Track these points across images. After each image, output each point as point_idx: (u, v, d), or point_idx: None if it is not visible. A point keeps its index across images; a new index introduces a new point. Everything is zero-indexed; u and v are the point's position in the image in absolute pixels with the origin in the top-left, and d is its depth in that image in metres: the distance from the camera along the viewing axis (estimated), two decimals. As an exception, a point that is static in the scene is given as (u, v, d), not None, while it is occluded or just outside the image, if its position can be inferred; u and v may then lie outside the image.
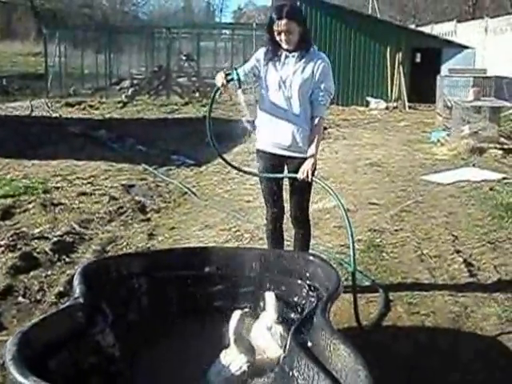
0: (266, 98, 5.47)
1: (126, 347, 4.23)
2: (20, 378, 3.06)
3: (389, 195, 9.42)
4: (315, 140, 5.44)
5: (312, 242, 7.00)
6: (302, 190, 5.60)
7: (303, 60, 5.34)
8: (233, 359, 4.14)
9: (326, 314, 3.86)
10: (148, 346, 4.48)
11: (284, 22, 5.15)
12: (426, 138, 14.41)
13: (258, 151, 5.70)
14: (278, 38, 5.28)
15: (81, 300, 4.02)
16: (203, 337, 4.59)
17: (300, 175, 5.40)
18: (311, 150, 5.44)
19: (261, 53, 5.49)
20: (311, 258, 4.79)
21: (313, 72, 5.33)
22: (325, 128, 15.04)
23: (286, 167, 5.64)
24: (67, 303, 4.09)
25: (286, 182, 5.77)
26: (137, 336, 4.47)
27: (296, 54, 5.34)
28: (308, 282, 4.66)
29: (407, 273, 6.48)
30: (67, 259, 6.87)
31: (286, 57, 5.35)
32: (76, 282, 4.26)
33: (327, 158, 12.08)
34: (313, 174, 5.42)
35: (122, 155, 12.54)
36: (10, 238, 7.34)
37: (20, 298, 5.86)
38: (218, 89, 5.39)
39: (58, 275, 6.41)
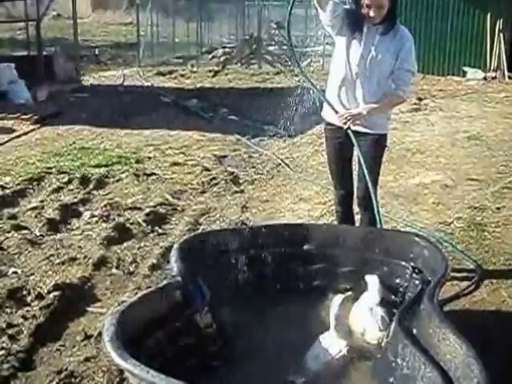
0: (341, 70, 5.14)
1: (224, 327, 4.12)
2: (119, 360, 2.97)
3: (489, 170, 9.03)
4: (382, 103, 5.11)
5: (410, 218, 6.91)
6: (370, 171, 5.14)
7: (388, 37, 5.01)
8: (332, 343, 3.98)
9: (435, 299, 3.65)
10: (245, 325, 4.34)
11: None
12: (529, 110, 13.90)
13: (327, 125, 5.43)
14: (364, 11, 4.92)
15: (178, 278, 3.91)
16: (301, 317, 4.44)
17: (339, 114, 5.10)
18: (371, 105, 5.10)
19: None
20: (416, 238, 4.56)
21: (396, 51, 5.01)
22: (419, 99, 14.72)
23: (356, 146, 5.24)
24: (165, 281, 4.00)
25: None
26: (234, 315, 4.34)
27: (380, 28, 5.01)
28: (412, 263, 4.44)
29: (511, 254, 6.15)
30: (160, 231, 6.85)
31: (369, 30, 5.01)
32: (173, 258, 4.17)
33: (424, 131, 11.72)
34: (351, 125, 5.08)
35: (214, 125, 12.44)
36: (104, 209, 7.38)
37: (113, 270, 5.88)
38: None
39: (151, 247, 6.39)
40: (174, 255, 4.19)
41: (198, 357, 3.84)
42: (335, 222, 5.86)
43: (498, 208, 7.44)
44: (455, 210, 7.33)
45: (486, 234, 6.66)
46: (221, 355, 3.99)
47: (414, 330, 3.63)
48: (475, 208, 7.43)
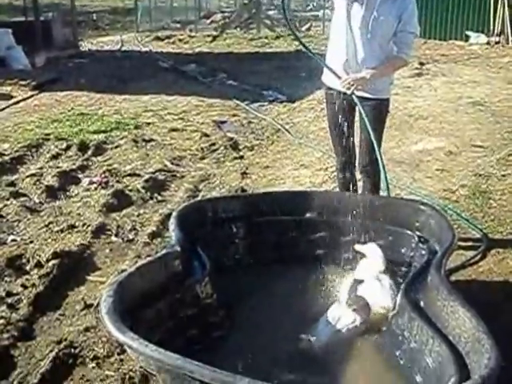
0: (342, 34, 4.96)
1: (225, 297, 4.03)
2: (116, 334, 2.87)
3: (494, 137, 8.90)
4: (384, 67, 4.96)
5: (414, 185, 6.82)
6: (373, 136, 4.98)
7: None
8: (343, 314, 3.88)
9: (442, 270, 3.55)
10: (247, 295, 4.26)
11: None
12: (534, 76, 13.72)
13: (328, 90, 5.27)
14: None
15: (177, 248, 3.81)
16: (304, 287, 4.36)
17: (342, 79, 4.92)
18: (374, 69, 4.92)
19: None
20: (422, 206, 4.47)
21: (399, 13, 4.83)
22: (421, 63, 14.55)
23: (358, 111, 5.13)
24: (164, 251, 3.89)
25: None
26: (235, 285, 4.26)
27: None
28: (417, 232, 4.35)
29: (518, 223, 5.99)
30: (159, 197, 6.78)
31: None
32: (172, 226, 4.08)
33: (426, 96, 11.58)
34: (354, 90, 4.89)
35: (213, 90, 12.31)
36: (103, 175, 7.30)
37: (113, 237, 5.80)
38: None
39: (150, 214, 6.31)
40: (172, 223, 4.10)
41: (199, 328, 3.76)
42: (337, 189, 5.74)
43: (504, 175, 7.30)
44: (459, 177, 7.21)
45: (491, 202, 6.53)
46: (222, 326, 3.91)
47: (421, 303, 3.54)
48: (480, 175, 7.29)
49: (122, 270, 4.95)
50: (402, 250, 4.41)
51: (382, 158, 4.99)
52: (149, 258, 4.02)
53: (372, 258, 4.25)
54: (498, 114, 10.17)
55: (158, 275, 3.62)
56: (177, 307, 3.66)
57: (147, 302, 3.46)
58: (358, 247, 4.33)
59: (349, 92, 4.91)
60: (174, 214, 4.26)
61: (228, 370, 2.65)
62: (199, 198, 6.38)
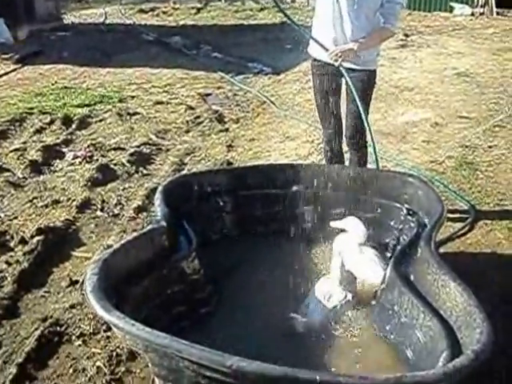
0: (328, 5, 4.86)
1: (212, 272, 3.99)
2: (102, 313, 2.81)
3: (479, 108, 8.85)
4: (371, 38, 4.87)
5: (400, 157, 6.80)
6: (358, 108, 4.93)
7: None
8: (333, 291, 3.84)
9: (432, 244, 3.51)
10: (234, 269, 4.23)
11: None
12: (518, 47, 13.68)
13: (314, 61, 5.20)
14: None
15: (163, 223, 3.75)
16: (291, 261, 4.31)
17: (330, 51, 4.85)
18: (361, 40, 4.84)
19: None
20: (410, 179, 4.41)
21: None
22: (406, 35, 14.47)
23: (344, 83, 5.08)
24: (149, 227, 3.83)
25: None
26: (222, 259, 4.22)
27: None
28: (406, 205, 4.30)
29: (504, 194, 6.01)
30: (144, 171, 6.74)
31: None
32: (157, 201, 4.01)
33: (411, 67, 11.51)
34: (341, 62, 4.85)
35: (198, 63, 12.21)
36: (87, 149, 7.23)
37: (98, 212, 5.76)
38: None
39: (135, 188, 6.28)
40: (158, 198, 4.04)
41: (186, 304, 3.71)
42: (323, 162, 5.68)
43: (490, 147, 7.28)
44: (446, 148, 7.18)
45: (478, 173, 6.52)
46: (209, 302, 3.86)
47: (411, 276, 3.51)
48: (466, 147, 7.27)
49: (108, 246, 4.95)
50: (391, 223, 4.37)
51: (370, 130, 4.94)
52: (134, 234, 3.93)
53: (352, 231, 4.19)
54: (483, 85, 10.12)
55: (143, 251, 3.56)
56: (163, 284, 3.60)
57: (133, 279, 3.40)
58: (334, 224, 4.26)
59: (336, 64, 4.84)
60: (160, 188, 4.20)
61: (216, 347, 2.60)
62: (185, 172, 6.31)
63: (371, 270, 3.94)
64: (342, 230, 4.19)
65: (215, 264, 4.08)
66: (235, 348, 2.74)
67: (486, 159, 6.89)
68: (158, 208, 3.91)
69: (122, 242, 3.58)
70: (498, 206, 5.80)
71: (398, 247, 3.99)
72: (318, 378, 2.40)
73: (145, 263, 3.53)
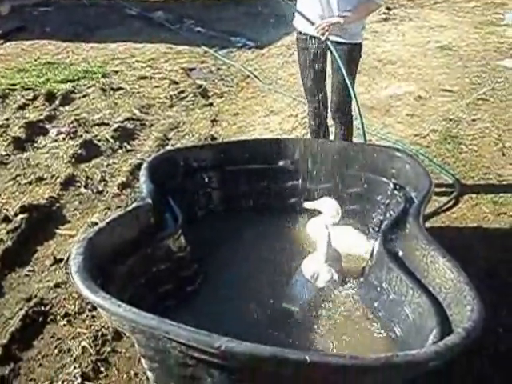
0: None
1: (198, 249, 3.95)
2: (87, 293, 2.76)
3: (463, 81, 8.75)
4: (358, 11, 4.83)
5: (384, 131, 6.73)
6: (344, 81, 4.91)
7: None
8: (320, 270, 3.80)
9: (420, 219, 3.48)
10: (220, 246, 4.18)
11: None
12: (500, 20, 13.57)
13: (299, 35, 5.14)
14: None
15: (148, 200, 3.69)
16: (278, 238, 4.30)
17: (316, 25, 4.79)
18: (347, 13, 4.80)
19: None
20: (397, 153, 4.38)
21: None
22: (388, 8, 14.35)
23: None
24: (134, 204, 3.77)
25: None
26: (208, 236, 4.18)
27: None
28: (393, 180, 4.27)
29: (489, 168, 5.98)
30: (128, 147, 6.64)
31: None
32: (142, 178, 3.96)
33: (394, 41, 11.39)
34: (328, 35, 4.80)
35: (181, 37, 12.08)
36: (71, 125, 7.09)
37: (82, 189, 5.68)
38: None
39: (119, 164, 6.20)
40: (143, 174, 3.98)
41: (172, 283, 3.68)
42: (308, 136, 5.66)
43: (474, 120, 7.20)
44: (430, 122, 7.10)
45: (462, 147, 6.47)
46: (195, 280, 3.83)
47: (400, 253, 3.48)
48: (450, 120, 7.19)
49: (92, 223, 4.91)
50: (378, 198, 4.33)
51: (358, 102, 4.91)
52: (119, 212, 3.89)
53: (326, 211, 4.16)
54: (466, 59, 10.05)
55: (128, 229, 3.51)
56: (149, 262, 3.55)
57: (118, 258, 3.35)
58: (308, 204, 4.23)
59: (323, 38, 4.79)
60: (144, 164, 4.15)
61: (202, 326, 2.58)
62: (169, 148, 6.23)
63: (355, 246, 3.93)
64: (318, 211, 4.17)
65: (201, 241, 4.04)
66: (222, 327, 2.71)
67: (470, 133, 6.83)
68: (143, 185, 3.86)
69: (107, 220, 3.53)
70: (482, 179, 5.77)
71: (386, 223, 3.94)
72: (307, 357, 2.37)
73: (130, 241, 3.48)
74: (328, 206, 4.14)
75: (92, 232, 3.29)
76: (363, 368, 2.49)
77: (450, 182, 5.68)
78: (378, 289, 3.51)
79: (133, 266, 3.43)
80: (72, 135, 6.82)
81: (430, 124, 7.01)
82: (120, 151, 6.52)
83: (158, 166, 4.16)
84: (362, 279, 3.77)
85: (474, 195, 5.46)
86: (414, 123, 7.12)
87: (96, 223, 4.78)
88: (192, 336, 2.48)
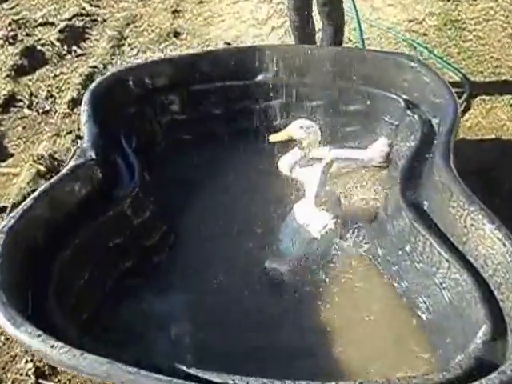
0: None
1: (163, 204, 3.20)
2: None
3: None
4: None
5: (373, 16, 6.06)
6: None
7: None
8: (313, 217, 3.06)
9: (451, 160, 2.66)
10: (191, 194, 3.45)
11: None
12: None
13: None
14: None
15: (91, 154, 2.84)
16: (261, 172, 3.55)
17: None
18: None
19: None
20: (407, 61, 3.62)
21: None
22: None
23: None
24: (73, 161, 2.89)
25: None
26: (174, 181, 3.46)
27: None
28: (404, 95, 3.54)
29: (499, 60, 5.26)
30: (79, 51, 5.94)
31: None
32: (84, 116, 3.22)
33: None
34: None
35: None
36: (9, 28, 6.32)
37: (25, 110, 5.05)
38: None
39: (68, 74, 5.53)
40: (84, 111, 3.21)
41: (134, 256, 2.95)
42: (289, 30, 4.95)
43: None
44: (425, 3, 6.31)
45: (465, 33, 5.76)
46: (163, 247, 3.07)
47: (426, 208, 2.65)
48: (448, 0, 6.43)
49: (39, 156, 4.27)
50: (386, 118, 3.59)
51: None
52: (54, 178, 2.97)
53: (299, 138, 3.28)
54: None
55: (70, 196, 2.71)
56: (102, 235, 2.79)
57: (62, 237, 2.59)
58: (274, 137, 3.35)
59: None
60: (86, 95, 3.41)
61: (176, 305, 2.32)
62: (116, 68, 5.27)
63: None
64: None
65: (166, 190, 3.35)
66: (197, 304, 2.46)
67: (473, 15, 6.11)
68: (85, 128, 3.10)
69: (42, 187, 2.69)
70: (493, 75, 5.10)
71: (402, 163, 3.08)
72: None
73: (74, 212, 2.71)
74: (301, 134, 3.23)
75: (20, 210, 2.48)
76: None
77: (457, 79, 4.97)
78: (400, 253, 2.70)
79: (81, 243, 2.65)
80: (11, 40, 6.08)
81: (426, 6, 6.27)
82: (68, 57, 5.83)
83: (104, 95, 3.44)
84: (374, 233, 2.97)
85: (486, 97, 4.78)
86: (407, 5, 6.37)
87: (43, 156, 4.24)
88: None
